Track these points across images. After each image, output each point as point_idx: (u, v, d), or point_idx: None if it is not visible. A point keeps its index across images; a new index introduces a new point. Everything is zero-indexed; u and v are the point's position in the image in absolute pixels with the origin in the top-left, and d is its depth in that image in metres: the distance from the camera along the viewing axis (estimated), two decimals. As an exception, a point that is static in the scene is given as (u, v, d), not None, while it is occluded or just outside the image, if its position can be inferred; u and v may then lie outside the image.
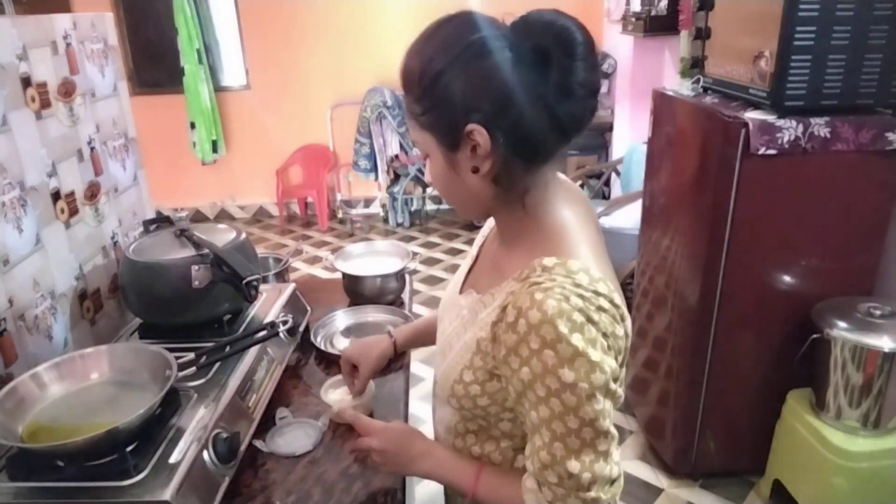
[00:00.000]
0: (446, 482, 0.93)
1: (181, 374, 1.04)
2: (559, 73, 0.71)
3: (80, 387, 1.04)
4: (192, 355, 1.09)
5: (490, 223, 1.01)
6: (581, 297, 0.73)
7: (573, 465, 0.75)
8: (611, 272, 0.83)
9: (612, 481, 0.79)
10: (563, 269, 0.75)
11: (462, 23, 0.75)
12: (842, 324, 1.81)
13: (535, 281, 0.75)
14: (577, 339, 0.71)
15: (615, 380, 0.76)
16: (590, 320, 0.73)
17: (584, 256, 0.79)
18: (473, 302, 0.87)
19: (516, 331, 0.73)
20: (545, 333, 0.71)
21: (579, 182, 4.25)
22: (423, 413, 2.41)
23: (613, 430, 0.77)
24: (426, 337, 1.18)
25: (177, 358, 1.04)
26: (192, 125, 4.96)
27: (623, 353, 0.80)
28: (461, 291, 0.95)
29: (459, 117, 0.74)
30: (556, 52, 0.71)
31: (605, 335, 0.74)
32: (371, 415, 1.22)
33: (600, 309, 0.74)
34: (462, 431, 0.92)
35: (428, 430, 1.03)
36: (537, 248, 0.80)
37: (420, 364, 2.93)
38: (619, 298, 0.78)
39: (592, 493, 0.77)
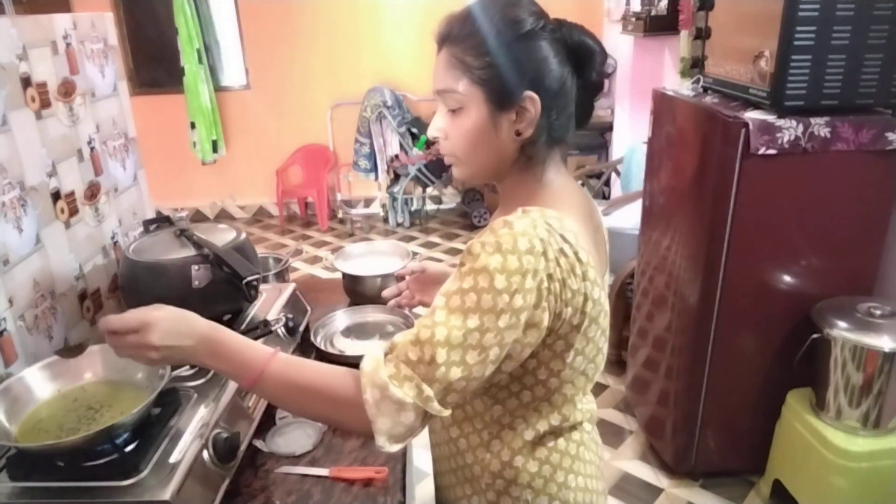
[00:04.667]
0: (235, 364, 0.83)
1: (174, 373, 1.03)
2: (588, 72, 0.86)
3: (74, 386, 1.04)
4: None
5: None
6: (548, 231, 0.78)
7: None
8: (592, 246, 0.86)
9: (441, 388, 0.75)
10: (539, 212, 0.81)
11: (533, 2, 0.85)
12: (842, 324, 1.81)
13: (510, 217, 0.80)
14: (527, 260, 0.75)
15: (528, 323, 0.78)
16: (545, 254, 0.76)
17: (565, 213, 0.84)
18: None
19: (480, 240, 0.78)
20: (503, 240, 0.75)
21: (580, 182, 4.25)
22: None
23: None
24: None
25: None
26: (193, 125, 4.96)
27: (581, 316, 0.81)
28: None
29: (521, 83, 0.82)
30: (588, 57, 0.85)
31: (549, 276, 0.77)
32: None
33: (562, 251, 0.78)
34: None
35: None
36: (529, 203, 0.85)
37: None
38: (585, 257, 0.81)
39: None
